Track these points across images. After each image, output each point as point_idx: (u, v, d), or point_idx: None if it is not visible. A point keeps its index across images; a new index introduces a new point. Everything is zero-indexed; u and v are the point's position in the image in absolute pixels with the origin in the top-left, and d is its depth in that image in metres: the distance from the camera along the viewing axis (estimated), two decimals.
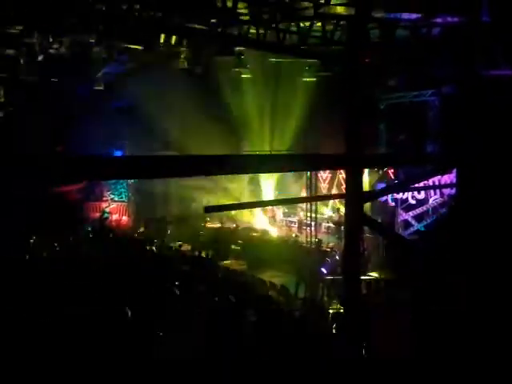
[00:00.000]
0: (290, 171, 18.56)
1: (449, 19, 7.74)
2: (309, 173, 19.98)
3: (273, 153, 20.02)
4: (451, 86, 14.05)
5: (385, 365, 5.90)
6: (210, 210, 7.59)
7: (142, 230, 21.89)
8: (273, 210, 22.11)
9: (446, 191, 16.49)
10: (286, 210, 21.73)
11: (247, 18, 11.41)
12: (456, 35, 9.12)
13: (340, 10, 9.11)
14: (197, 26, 11.53)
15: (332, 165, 6.44)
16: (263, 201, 20.82)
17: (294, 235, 20.06)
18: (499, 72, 9.81)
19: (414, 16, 9.68)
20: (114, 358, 7.17)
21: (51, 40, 13.44)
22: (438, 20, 9.24)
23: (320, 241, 17.62)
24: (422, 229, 17.45)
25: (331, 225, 19.69)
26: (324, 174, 21.35)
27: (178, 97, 18.95)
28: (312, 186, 17.16)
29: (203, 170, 4.42)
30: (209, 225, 22.35)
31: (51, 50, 13.88)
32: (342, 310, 10.17)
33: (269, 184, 22.87)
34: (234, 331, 8.38)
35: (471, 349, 5.56)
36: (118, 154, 22.32)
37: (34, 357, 6.92)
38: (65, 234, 18.88)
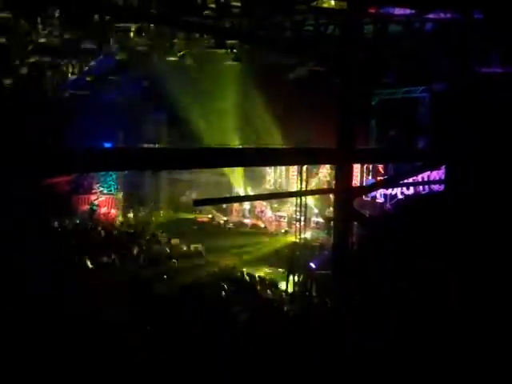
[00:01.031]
0: (280, 165, 18.57)
1: (442, 15, 7.75)
2: (299, 167, 20.01)
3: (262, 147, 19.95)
4: (442, 83, 14.11)
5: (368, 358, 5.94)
6: (199, 203, 7.53)
7: (130, 223, 21.77)
8: (261, 205, 22.09)
9: (435, 187, 16.60)
10: (276, 205, 21.73)
11: (240, 11, 11.33)
12: (449, 32, 9.14)
13: (333, 4, 9.08)
14: (190, 18, 11.42)
15: (322, 159, 6.44)
16: (252, 195, 20.82)
17: (283, 230, 20.11)
18: (491, 69, 9.87)
19: (407, 11, 9.68)
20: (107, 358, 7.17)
21: (42, 30, 13.26)
22: (431, 16, 9.25)
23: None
24: None
25: (320, 220, 19.75)
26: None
27: (169, 88, 18.84)
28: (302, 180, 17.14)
29: (197, 162, 4.38)
30: (199, 218, 22.34)
31: (42, 40, 13.72)
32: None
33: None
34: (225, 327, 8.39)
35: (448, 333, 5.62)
36: (108, 145, 22.15)
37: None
38: (52, 226, 18.78)
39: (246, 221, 21.74)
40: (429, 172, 14.75)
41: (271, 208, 21.79)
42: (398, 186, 16.54)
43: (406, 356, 5.75)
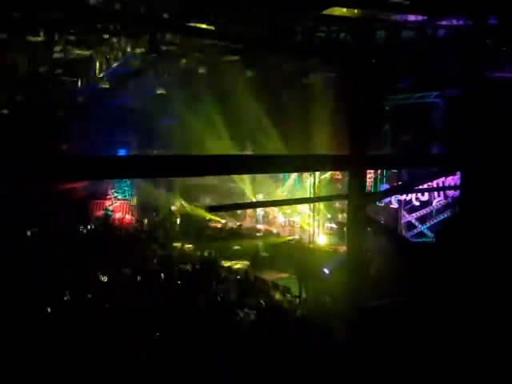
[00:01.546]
0: (292, 172, 18.56)
1: (454, 22, 7.71)
2: (312, 173, 19.98)
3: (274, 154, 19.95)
4: (456, 88, 14.01)
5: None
6: (213, 209, 7.55)
7: (145, 228, 21.93)
8: (274, 212, 22.08)
9: (450, 193, 16.45)
10: (288, 211, 21.69)
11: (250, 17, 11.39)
12: (462, 37, 9.08)
13: (345, 11, 9.07)
14: (202, 26, 11.52)
15: (335, 166, 6.43)
16: (265, 201, 20.82)
17: (296, 236, 20.06)
18: (504, 74, 9.77)
19: (419, 18, 9.64)
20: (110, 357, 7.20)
21: (56, 38, 13.47)
22: (444, 22, 9.20)
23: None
24: (426, 231, 17.41)
25: (334, 225, 19.66)
26: None
27: (182, 96, 18.96)
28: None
29: (208, 169, 4.40)
30: (212, 224, 22.40)
31: (57, 49, 13.93)
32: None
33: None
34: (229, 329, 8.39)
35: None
36: (122, 152, 22.36)
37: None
38: (69, 230, 19.00)
39: (259, 226, 21.74)
40: (444, 178, 14.64)
41: (283, 214, 21.78)
42: (412, 192, 16.43)
43: (408, 358, 5.69)
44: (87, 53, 14.28)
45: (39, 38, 12.77)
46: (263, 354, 7.34)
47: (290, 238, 19.98)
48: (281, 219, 21.77)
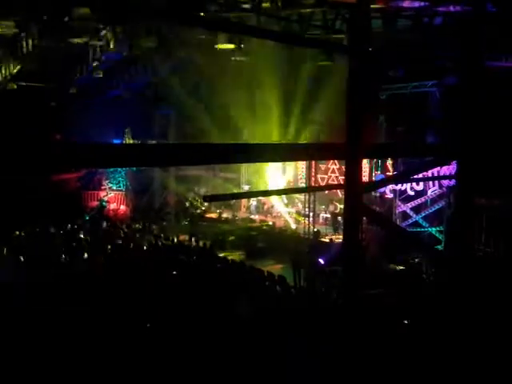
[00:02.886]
0: (289, 161, 18.51)
1: (451, 8, 7.64)
2: (307, 163, 19.95)
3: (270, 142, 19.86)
4: (453, 77, 13.96)
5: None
6: (208, 199, 7.51)
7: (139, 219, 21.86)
8: (269, 202, 22.04)
9: (445, 183, 16.46)
10: (286, 201, 21.66)
11: (248, 5, 11.30)
12: (459, 25, 9.02)
13: None
14: (199, 13, 11.40)
15: (331, 155, 6.38)
16: (261, 191, 20.77)
17: (292, 226, 20.05)
18: (502, 63, 9.73)
19: (416, 4, 9.56)
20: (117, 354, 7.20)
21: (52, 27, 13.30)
22: (441, 9, 9.13)
23: (318, 231, 17.65)
24: (421, 220, 17.44)
25: (329, 215, 19.67)
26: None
27: (176, 84, 18.82)
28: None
29: (209, 158, 4.33)
30: (207, 215, 22.36)
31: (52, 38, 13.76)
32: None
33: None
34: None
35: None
36: (117, 142, 22.23)
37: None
38: (63, 221, 18.88)
39: (254, 217, 21.70)
40: (439, 167, 14.63)
41: (278, 204, 21.72)
42: (407, 182, 16.41)
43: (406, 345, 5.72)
44: (82, 41, 14.10)
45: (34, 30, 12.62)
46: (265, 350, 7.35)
47: (284, 228, 19.98)
48: (275, 209, 21.73)
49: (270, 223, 20.57)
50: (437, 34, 10.63)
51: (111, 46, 14.77)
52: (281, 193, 20.55)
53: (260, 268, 14.03)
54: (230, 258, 15.69)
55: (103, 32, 14.25)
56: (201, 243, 16.90)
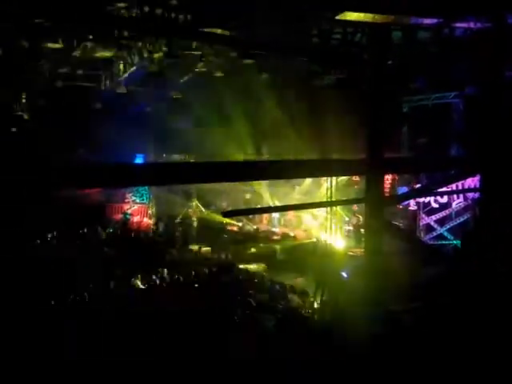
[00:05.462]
0: (308, 177, 18.43)
1: (471, 24, 7.57)
2: (329, 178, 19.81)
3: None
4: (475, 88, 13.79)
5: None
6: (228, 215, 7.54)
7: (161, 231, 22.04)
8: (290, 215, 22.00)
9: (470, 195, 16.20)
10: (307, 214, 21.54)
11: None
12: (480, 37, 8.92)
13: (361, 16, 8.96)
14: (218, 30, 11.54)
15: (351, 170, 6.36)
16: (281, 205, 20.70)
17: (314, 239, 19.93)
18: None
19: (435, 21, 9.50)
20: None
21: (75, 44, 13.65)
22: (461, 25, 9.07)
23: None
24: (445, 233, 17.16)
25: (351, 228, 19.50)
26: None
27: (199, 100, 19.01)
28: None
29: (229, 175, 4.37)
30: (229, 227, 22.40)
31: (75, 54, 14.10)
32: None
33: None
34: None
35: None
36: (140, 158, 22.55)
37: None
38: (87, 234, 19.19)
39: (276, 229, 21.68)
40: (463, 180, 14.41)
41: (301, 217, 21.62)
42: (432, 195, 16.20)
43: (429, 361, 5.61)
44: (107, 54, 14.41)
45: (58, 45, 12.95)
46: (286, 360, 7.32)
47: (307, 240, 19.86)
48: (298, 222, 21.65)
49: (292, 234, 20.48)
50: (458, 46, 10.55)
51: (135, 61, 15.09)
52: (301, 208, 20.45)
53: (282, 281, 14.02)
54: (250, 269, 15.71)
55: (126, 48, 14.55)
56: (223, 255, 16.97)
